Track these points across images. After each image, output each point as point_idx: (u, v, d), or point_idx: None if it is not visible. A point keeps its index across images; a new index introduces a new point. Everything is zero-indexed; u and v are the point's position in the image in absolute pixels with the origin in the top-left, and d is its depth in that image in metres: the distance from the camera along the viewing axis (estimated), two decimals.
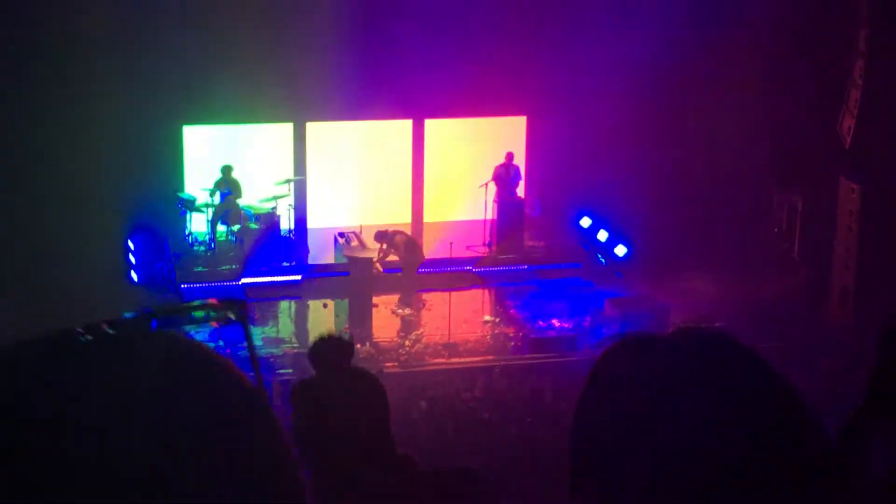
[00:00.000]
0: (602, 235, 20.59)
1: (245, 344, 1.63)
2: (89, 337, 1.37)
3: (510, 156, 20.67)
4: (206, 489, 1.27)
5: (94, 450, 1.24)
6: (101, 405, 1.27)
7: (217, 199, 19.71)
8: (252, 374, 1.54)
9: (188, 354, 1.38)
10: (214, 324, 1.72)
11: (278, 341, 17.93)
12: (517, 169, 20.82)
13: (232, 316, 1.74)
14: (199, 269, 19.43)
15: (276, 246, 19.80)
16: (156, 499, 1.24)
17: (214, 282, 19.05)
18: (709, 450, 1.48)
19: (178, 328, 1.73)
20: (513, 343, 18.00)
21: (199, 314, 1.77)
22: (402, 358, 16.93)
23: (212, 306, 1.79)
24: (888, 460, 3.04)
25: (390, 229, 19.41)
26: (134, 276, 19.04)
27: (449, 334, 17.93)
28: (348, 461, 3.65)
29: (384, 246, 19.09)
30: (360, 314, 18.36)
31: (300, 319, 19.25)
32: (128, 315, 1.73)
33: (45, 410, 1.25)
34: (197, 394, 1.34)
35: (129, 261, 19.11)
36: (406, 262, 19.02)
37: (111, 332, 1.40)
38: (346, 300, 18.87)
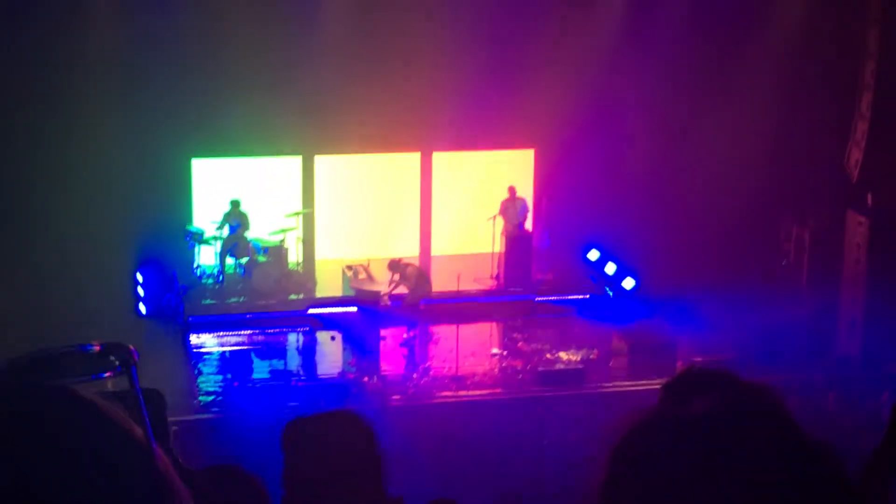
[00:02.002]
0: (610, 268, 20.58)
1: (131, 393, 1.58)
2: None
3: (513, 190, 20.68)
4: None
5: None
6: None
7: (226, 231, 19.75)
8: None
9: (71, 403, 1.37)
10: (108, 374, 1.69)
11: (287, 374, 17.93)
12: (523, 202, 20.83)
13: (117, 364, 1.70)
14: (208, 301, 19.45)
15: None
16: None
17: (222, 314, 19.08)
18: None
19: (65, 379, 1.68)
20: (520, 376, 17.96)
21: (89, 363, 1.72)
22: (409, 391, 16.91)
23: (93, 353, 1.73)
24: None
25: (403, 260, 19.41)
26: (142, 308, 19.07)
27: (457, 367, 17.91)
28: None
29: (396, 276, 19.08)
30: (368, 347, 18.35)
31: (307, 352, 19.23)
32: (18, 360, 1.71)
33: None
34: (78, 441, 1.32)
35: (138, 293, 19.13)
36: (413, 294, 19.02)
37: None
38: (354, 332, 18.87)
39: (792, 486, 1.50)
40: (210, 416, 16.24)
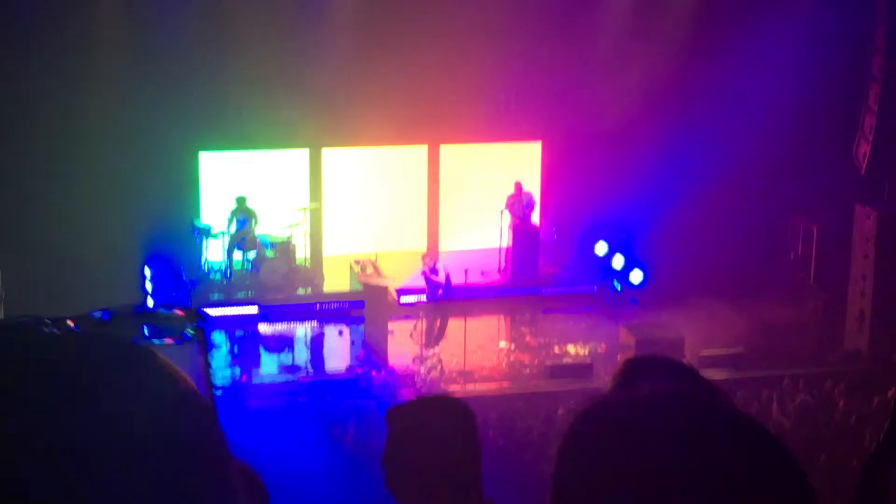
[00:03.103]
0: (618, 262, 20.57)
1: (201, 361, 1.60)
2: (54, 329, 1.37)
3: (519, 185, 20.66)
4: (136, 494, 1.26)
5: (29, 432, 1.24)
6: (45, 396, 1.27)
7: (233, 227, 19.76)
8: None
9: (137, 358, 1.37)
10: (169, 340, 1.70)
11: (294, 368, 17.96)
12: (530, 196, 20.81)
13: (190, 332, 1.71)
14: (216, 296, 19.47)
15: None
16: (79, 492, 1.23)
17: (229, 307, 19.10)
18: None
19: (138, 336, 1.70)
20: (528, 370, 17.98)
21: (164, 324, 1.74)
22: (418, 385, 16.92)
23: (174, 316, 1.76)
24: None
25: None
26: (150, 302, 19.09)
27: (465, 361, 17.91)
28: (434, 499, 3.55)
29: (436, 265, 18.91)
30: (376, 341, 18.36)
31: (315, 347, 19.26)
32: (94, 313, 1.72)
33: None
34: (138, 397, 1.33)
35: (145, 288, 19.15)
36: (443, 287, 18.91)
37: (74, 327, 1.40)
38: (362, 327, 18.89)
39: (728, 460, 1.52)
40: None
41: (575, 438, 1.60)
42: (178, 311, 1.77)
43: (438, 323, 18.40)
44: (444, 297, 18.57)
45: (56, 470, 1.23)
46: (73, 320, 1.52)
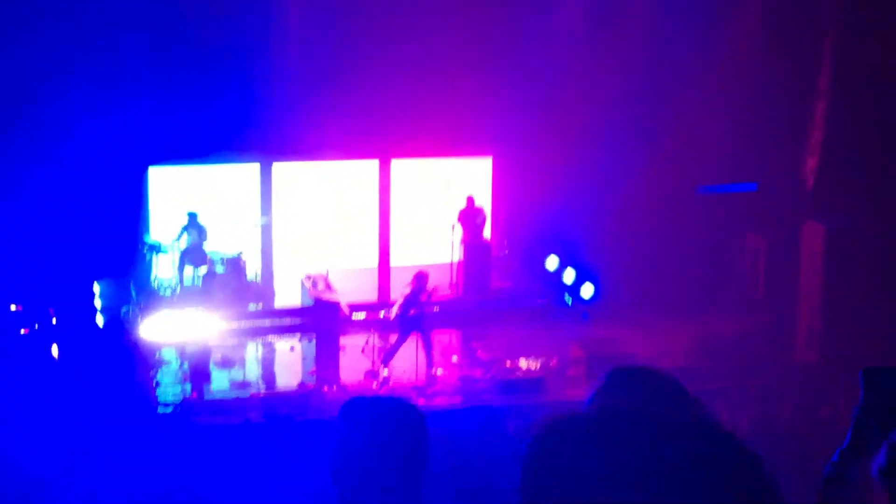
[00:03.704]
0: (569, 276, 20.64)
1: None
2: None
3: (471, 199, 20.69)
4: None
5: None
6: None
7: (183, 243, 19.64)
8: None
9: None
10: None
11: (246, 384, 17.86)
12: (481, 211, 20.84)
13: None
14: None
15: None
16: None
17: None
18: None
19: None
20: (480, 385, 17.98)
21: None
22: None
23: None
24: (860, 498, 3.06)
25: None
26: (99, 319, 18.92)
27: (416, 376, 17.90)
28: None
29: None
30: (328, 357, 18.29)
31: (267, 363, 19.17)
32: None
33: None
34: None
35: (94, 305, 18.99)
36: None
37: None
38: (313, 343, 18.81)
39: (701, 466, 1.52)
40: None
41: (537, 452, 1.60)
42: None
43: (395, 339, 18.28)
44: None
45: None
46: None
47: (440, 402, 17.31)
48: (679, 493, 1.49)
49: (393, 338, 18.22)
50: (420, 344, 17.99)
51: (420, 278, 17.95)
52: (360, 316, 19.14)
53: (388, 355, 18.00)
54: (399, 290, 18.58)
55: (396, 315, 17.75)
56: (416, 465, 3.60)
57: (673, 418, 1.61)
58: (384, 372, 17.89)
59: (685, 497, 1.49)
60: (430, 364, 18.02)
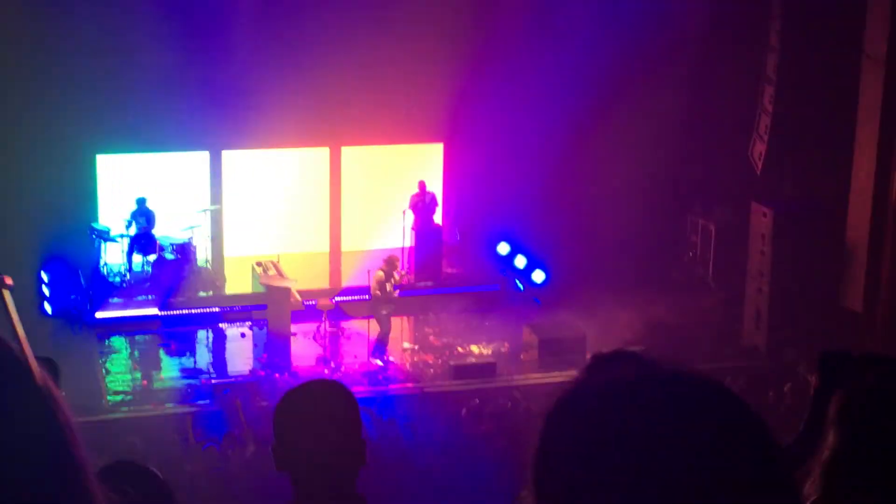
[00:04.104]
0: (520, 262, 20.71)
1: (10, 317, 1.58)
2: None
3: (422, 184, 20.69)
4: None
5: None
6: None
7: (132, 229, 19.51)
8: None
9: None
10: None
11: (196, 372, 17.79)
12: (433, 196, 20.86)
13: None
14: (114, 300, 19.19)
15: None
16: None
17: (129, 311, 18.86)
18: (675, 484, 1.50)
19: None
20: (432, 370, 18.02)
21: None
22: None
23: None
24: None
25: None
26: (48, 307, 18.77)
27: (368, 362, 17.91)
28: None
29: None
30: (279, 343, 18.25)
31: (218, 349, 19.11)
32: None
33: None
34: None
35: (42, 292, 18.84)
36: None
37: None
38: (264, 329, 18.77)
39: (717, 445, 1.54)
40: (120, 415, 16.07)
41: (554, 427, 1.61)
42: None
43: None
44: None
45: None
46: None
47: (393, 387, 17.34)
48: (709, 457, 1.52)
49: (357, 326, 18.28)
50: (379, 325, 18.13)
51: (391, 261, 18.16)
52: (327, 305, 19.03)
53: (378, 347, 18.04)
54: (365, 273, 18.68)
55: (373, 296, 17.95)
56: (354, 441, 3.74)
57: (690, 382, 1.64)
58: (378, 362, 17.88)
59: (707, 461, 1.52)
60: (383, 349, 18.09)
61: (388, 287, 18.07)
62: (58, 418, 1.36)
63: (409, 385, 17.48)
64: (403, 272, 18.91)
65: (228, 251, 20.70)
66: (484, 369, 17.79)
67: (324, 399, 3.79)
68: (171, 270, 19.35)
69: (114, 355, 18.27)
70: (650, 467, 1.50)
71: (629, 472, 1.50)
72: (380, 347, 18.14)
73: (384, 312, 18.16)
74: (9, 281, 1.66)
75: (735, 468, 1.53)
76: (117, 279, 19.64)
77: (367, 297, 18.74)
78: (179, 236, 19.74)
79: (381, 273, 18.13)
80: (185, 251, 19.60)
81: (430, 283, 20.42)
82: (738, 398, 1.60)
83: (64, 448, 1.36)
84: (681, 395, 1.59)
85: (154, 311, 19.04)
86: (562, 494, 1.55)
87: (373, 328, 18.33)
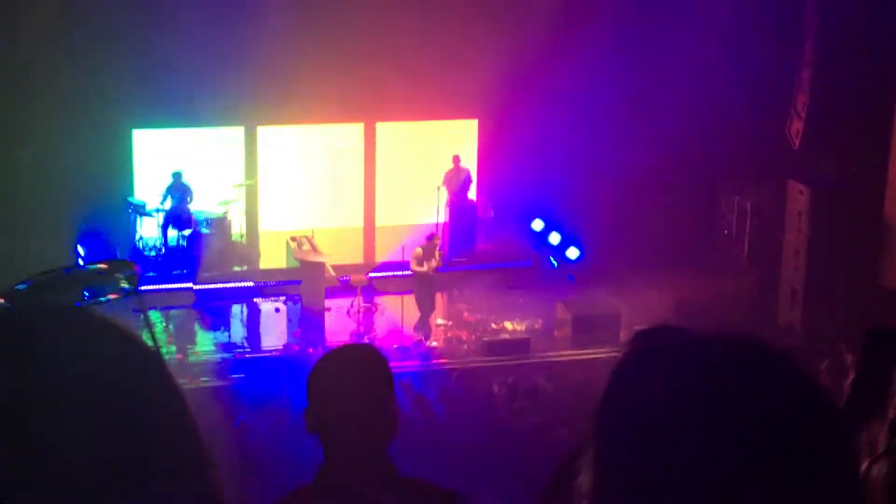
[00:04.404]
0: (554, 238, 20.66)
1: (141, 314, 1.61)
2: None
3: (457, 159, 20.67)
4: (102, 460, 1.27)
5: None
6: None
7: (168, 203, 19.59)
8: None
9: (82, 325, 1.36)
10: (113, 295, 1.68)
11: (231, 346, 17.87)
12: (467, 172, 20.83)
13: (124, 284, 1.70)
14: (150, 274, 19.28)
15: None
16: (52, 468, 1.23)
17: (166, 286, 18.95)
18: (734, 459, 1.48)
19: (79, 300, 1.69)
20: (466, 346, 18.03)
21: (92, 283, 1.72)
22: None
23: (103, 270, 1.74)
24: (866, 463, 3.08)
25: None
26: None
27: (402, 338, 17.93)
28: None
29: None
30: (313, 318, 18.31)
31: (252, 324, 19.18)
32: (20, 286, 1.71)
33: None
34: (84, 360, 1.32)
35: (79, 266, 18.94)
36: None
37: (6, 304, 1.40)
38: (299, 304, 18.82)
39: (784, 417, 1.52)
40: None
41: (621, 376, 1.59)
42: (102, 265, 1.74)
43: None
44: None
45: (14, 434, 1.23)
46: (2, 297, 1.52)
47: (426, 363, 17.35)
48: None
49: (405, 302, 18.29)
50: (417, 304, 18.14)
51: (431, 238, 18.17)
52: (361, 280, 19.06)
53: (421, 324, 18.04)
54: (400, 249, 18.75)
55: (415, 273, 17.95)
56: (387, 410, 3.71)
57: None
58: (431, 342, 17.90)
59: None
60: (426, 324, 18.12)
61: (426, 266, 18.04)
62: (191, 417, 1.40)
63: (443, 361, 17.49)
64: (441, 252, 18.78)
65: (263, 226, 20.76)
66: (517, 346, 17.78)
67: (359, 365, 3.77)
68: (207, 245, 19.44)
69: (147, 329, 18.35)
70: (713, 426, 1.48)
71: (694, 428, 1.48)
72: (422, 325, 18.13)
73: (424, 291, 18.17)
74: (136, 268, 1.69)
75: (801, 435, 1.50)
76: (153, 253, 19.74)
77: (400, 273, 18.77)
78: (215, 211, 19.81)
79: (419, 250, 18.11)
80: (220, 226, 19.67)
81: (464, 259, 20.41)
82: (801, 367, 1.59)
83: (197, 443, 1.39)
84: (744, 357, 1.57)
85: (189, 284, 19.13)
86: (624, 450, 1.53)
87: (407, 304, 18.34)
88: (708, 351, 1.58)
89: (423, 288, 18.17)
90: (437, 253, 18.21)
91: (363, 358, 3.83)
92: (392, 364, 3.86)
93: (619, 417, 1.54)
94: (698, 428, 1.48)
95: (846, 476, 1.52)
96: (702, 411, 1.49)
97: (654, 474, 1.48)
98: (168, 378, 1.39)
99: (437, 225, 20.16)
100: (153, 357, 1.39)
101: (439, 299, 19.73)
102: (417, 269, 18.06)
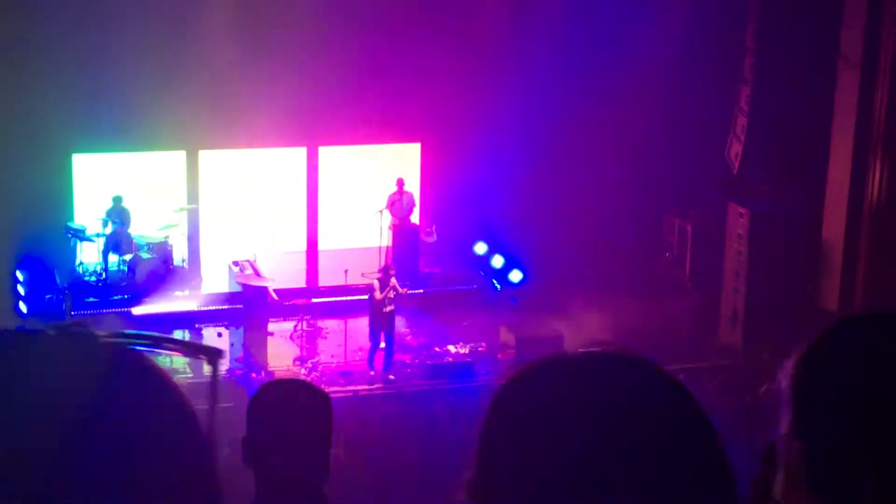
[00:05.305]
0: (497, 261, 20.71)
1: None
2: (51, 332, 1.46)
3: (401, 182, 20.68)
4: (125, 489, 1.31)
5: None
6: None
7: (108, 228, 19.42)
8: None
9: (125, 359, 1.43)
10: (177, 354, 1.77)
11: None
12: (410, 196, 20.84)
13: (204, 361, 1.79)
14: (91, 299, 19.11)
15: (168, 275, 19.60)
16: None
17: (105, 311, 18.76)
18: (614, 470, 1.51)
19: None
20: (409, 370, 18.00)
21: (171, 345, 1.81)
22: None
23: (189, 345, 1.83)
24: None
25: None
26: (23, 307, 18.67)
27: (345, 361, 17.88)
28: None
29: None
30: (256, 343, 18.22)
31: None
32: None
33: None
34: (138, 398, 1.38)
35: (18, 292, 18.74)
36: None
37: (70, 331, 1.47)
38: (241, 328, 18.72)
39: (659, 426, 1.56)
40: None
41: (503, 398, 1.62)
42: (193, 343, 1.84)
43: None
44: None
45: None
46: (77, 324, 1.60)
47: (369, 387, 17.30)
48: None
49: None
50: (370, 335, 17.89)
51: (386, 269, 17.99)
52: (304, 304, 18.99)
53: (371, 355, 17.74)
54: (342, 273, 18.65)
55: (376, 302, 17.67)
56: (322, 454, 3.66)
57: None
58: (390, 377, 17.65)
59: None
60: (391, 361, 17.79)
61: (384, 297, 17.66)
62: (200, 430, 1.45)
63: (385, 385, 17.45)
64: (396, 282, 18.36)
65: (205, 250, 20.64)
66: (461, 369, 17.78)
67: (298, 402, 3.72)
68: (147, 270, 19.28)
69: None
70: (586, 444, 1.51)
71: (568, 446, 1.52)
72: (388, 360, 17.79)
73: (382, 322, 17.78)
74: None
75: (667, 433, 1.55)
76: (93, 278, 19.55)
77: (343, 297, 18.71)
78: (156, 236, 19.68)
79: (376, 282, 17.85)
80: (161, 251, 19.53)
81: (406, 283, 20.38)
82: (672, 378, 1.64)
83: (205, 454, 1.45)
84: (608, 370, 1.65)
85: (130, 309, 18.96)
86: (505, 468, 1.58)
87: (350, 328, 18.29)
88: (578, 366, 1.63)
89: (380, 319, 17.80)
90: (392, 282, 17.93)
91: (304, 395, 3.78)
92: (335, 388, 3.85)
93: (500, 434, 1.59)
94: (570, 433, 1.52)
95: (714, 471, 1.57)
96: (573, 417, 1.53)
97: (535, 482, 1.52)
98: (198, 430, 1.45)
99: (379, 248, 20.13)
100: (191, 410, 1.45)
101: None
102: (377, 299, 17.71)
